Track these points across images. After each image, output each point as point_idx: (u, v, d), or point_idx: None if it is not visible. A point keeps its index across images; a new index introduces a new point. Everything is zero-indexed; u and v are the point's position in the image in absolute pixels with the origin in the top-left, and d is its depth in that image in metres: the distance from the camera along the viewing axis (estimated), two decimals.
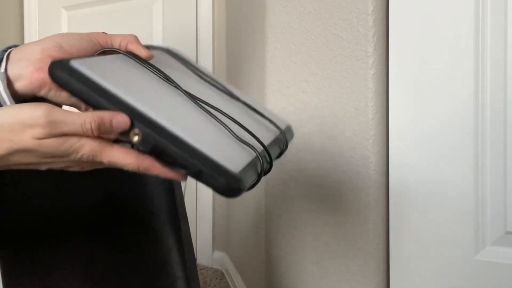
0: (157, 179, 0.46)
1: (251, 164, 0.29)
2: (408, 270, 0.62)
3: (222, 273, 1.38)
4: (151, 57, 0.36)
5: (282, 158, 0.78)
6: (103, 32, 0.37)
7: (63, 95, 0.33)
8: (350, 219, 0.66)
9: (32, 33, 1.69)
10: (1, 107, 0.31)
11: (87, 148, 0.29)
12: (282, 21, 0.75)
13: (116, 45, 0.37)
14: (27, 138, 0.28)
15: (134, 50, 0.36)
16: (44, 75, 0.31)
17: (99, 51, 0.35)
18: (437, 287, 0.60)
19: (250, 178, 0.29)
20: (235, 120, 0.31)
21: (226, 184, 0.26)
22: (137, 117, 0.28)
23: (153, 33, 1.52)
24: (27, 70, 0.32)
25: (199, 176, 0.27)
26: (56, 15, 1.67)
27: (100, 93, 0.28)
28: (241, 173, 0.27)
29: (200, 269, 1.36)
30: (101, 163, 0.30)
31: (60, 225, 0.40)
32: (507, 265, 0.56)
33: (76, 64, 0.28)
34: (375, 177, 0.64)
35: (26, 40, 1.69)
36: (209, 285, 1.27)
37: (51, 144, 0.29)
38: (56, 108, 0.28)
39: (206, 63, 1.44)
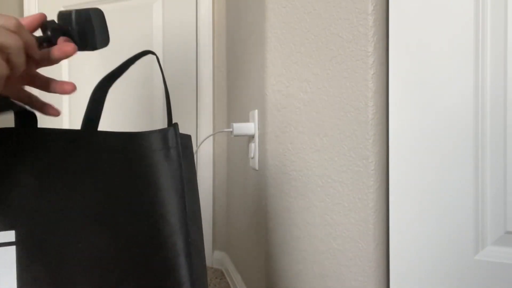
0: (170, 184, 0.47)
1: None
2: (408, 270, 0.62)
3: (222, 273, 1.38)
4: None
5: (282, 158, 0.78)
6: None
7: None
8: (350, 219, 0.66)
9: None
10: None
11: None
12: (282, 21, 0.75)
13: None
14: None
15: None
16: None
17: None
18: (437, 287, 0.60)
19: None
20: None
21: None
22: None
23: (153, 33, 1.52)
24: None
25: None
26: (56, 15, 1.67)
27: None
28: None
29: None
30: None
31: (74, 222, 0.41)
32: (507, 265, 0.56)
33: None
34: (375, 177, 0.64)
35: None
36: (209, 285, 1.26)
37: None
38: None
39: (206, 63, 1.44)
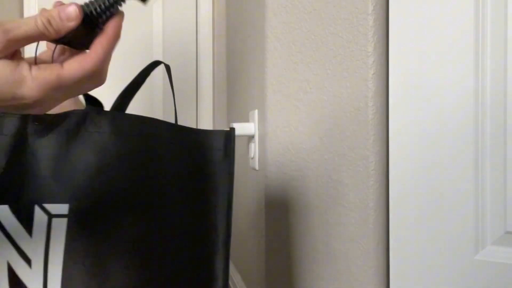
0: (224, 182, 0.51)
1: None
2: (408, 270, 0.62)
3: None
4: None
5: (282, 158, 0.78)
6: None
7: None
8: (350, 219, 0.66)
9: None
10: None
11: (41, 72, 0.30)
12: (282, 21, 0.75)
13: None
14: None
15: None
16: None
17: None
18: (437, 287, 0.60)
19: None
20: None
21: None
22: None
23: (153, 33, 1.52)
24: None
25: None
26: None
27: None
28: None
29: None
30: (60, 87, 0.30)
31: (124, 204, 0.44)
32: (507, 265, 0.56)
33: None
34: (375, 177, 0.64)
35: None
36: None
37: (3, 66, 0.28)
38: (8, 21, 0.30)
39: (206, 63, 1.44)
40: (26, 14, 1.71)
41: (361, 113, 0.64)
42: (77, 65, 0.30)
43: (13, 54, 0.30)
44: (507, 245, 0.56)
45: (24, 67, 0.29)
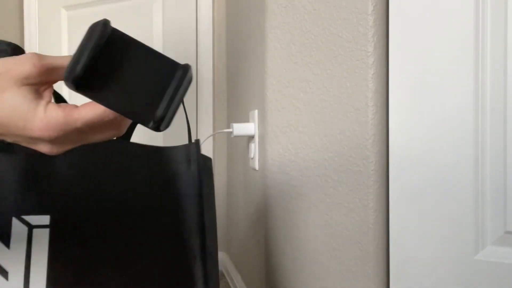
0: (190, 191, 0.55)
1: None
2: (408, 270, 0.62)
3: (222, 273, 1.38)
4: None
5: (282, 158, 0.78)
6: None
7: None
8: (350, 219, 0.66)
9: (32, 33, 1.68)
10: None
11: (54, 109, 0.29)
12: (282, 21, 0.75)
13: None
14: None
15: None
16: None
17: None
18: (437, 287, 0.60)
19: None
20: None
21: None
22: None
23: (153, 33, 1.52)
24: None
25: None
26: (56, 15, 1.67)
27: None
28: None
29: None
30: (73, 131, 0.29)
31: (102, 215, 0.47)
32: (507, 265, 0.56)
33: None
34: (375, 177, 0.64)
35: (26, 40, 1.69)
36: None
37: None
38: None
39: (206, 63, 1.44)
40: (26, 14, 1.71)
41: (361, 113, 0.64)
42: (90, 106, 0.29)
43: (44, 88, 0.30)
44: (507, 245, 0.56)
45: (43, 101, 0.29)
